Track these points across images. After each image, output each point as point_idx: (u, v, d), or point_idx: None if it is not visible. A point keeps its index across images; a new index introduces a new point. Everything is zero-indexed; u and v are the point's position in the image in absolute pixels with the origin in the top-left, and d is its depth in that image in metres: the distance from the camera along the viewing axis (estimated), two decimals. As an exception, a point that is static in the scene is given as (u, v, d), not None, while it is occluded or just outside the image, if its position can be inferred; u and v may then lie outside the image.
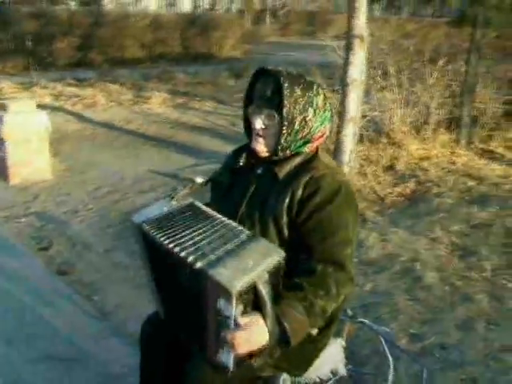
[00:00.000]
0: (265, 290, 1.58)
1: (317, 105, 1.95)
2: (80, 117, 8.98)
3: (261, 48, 21.32)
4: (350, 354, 2.30)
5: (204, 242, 1.68)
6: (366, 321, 2.70)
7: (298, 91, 1.91)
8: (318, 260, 1.80)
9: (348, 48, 5.44)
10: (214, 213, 1.85)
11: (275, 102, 1.90)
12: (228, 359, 1.67)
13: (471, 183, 5.83)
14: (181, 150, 7.34)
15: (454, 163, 6.55)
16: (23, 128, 5.56)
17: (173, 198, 1.99)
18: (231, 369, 1.69)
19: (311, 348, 2.04)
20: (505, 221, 4.74)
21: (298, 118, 1.91)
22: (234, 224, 1.78)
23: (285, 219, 1.88)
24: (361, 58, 5.43)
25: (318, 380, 2.23)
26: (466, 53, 7.24)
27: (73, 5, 22.02)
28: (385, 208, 5.21)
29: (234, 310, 1.55)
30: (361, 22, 5.33)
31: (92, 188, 5.68)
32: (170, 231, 1.77)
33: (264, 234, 1.88)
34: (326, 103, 1.99)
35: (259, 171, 2.02)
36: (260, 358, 1.74)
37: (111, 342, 3.10)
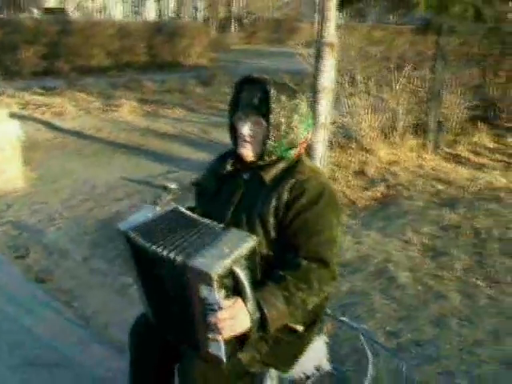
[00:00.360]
0: (242, 274, 1.69)
1: (301, 111, 2.03)
2: (49, 125, 8.92)
3: (228, 56, 21.42)
4: (331, 352, 2.35)
5: (184, 240, 1.78)
6: (345, 319, 2.79)
7: (284, 98, 1.99)
8: (303, 257, 1.89)
9: (318, 56, 5.55)
10: (196, 216, 1.95)
11: (262, 109, 1.98)
12: (219, 350, 1.75)
13: (440, 186, 5.99)
14: (152, 158, 7.35)
15: (422, 167, 6.72)
16: (-5, 137, 5.53)
17: (157, 204, 2.05)
18: (224, 360, 1.77)
19: (297, 344, 2.11)
20: (473, 222, 4.90)
21: (284, 124, 1.99)
22: (211, 222, 1.88)
23: (272, 221, 1.96)
24: (331, 66, 5.54)
25: (302, 375, 2.30)
26: (432, 60, 7.45)
27: (36, 13, 21.83)
28: (357, 211, 5.32)
29: (217, 293, 1.65)
30: (331, 30, 5.45)
31: (65, 197, 5.67)
32: (153, 236, 1.85)
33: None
34: (309, 110, 2.08)
35: (246, 177, 2.09)
36: (248, 350, 1.85)
37: (94, 347, 3.12)
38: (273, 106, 1.96)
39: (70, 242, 4.56)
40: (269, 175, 2.02)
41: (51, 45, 15.30)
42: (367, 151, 7.09)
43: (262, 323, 1.76)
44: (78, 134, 8.48)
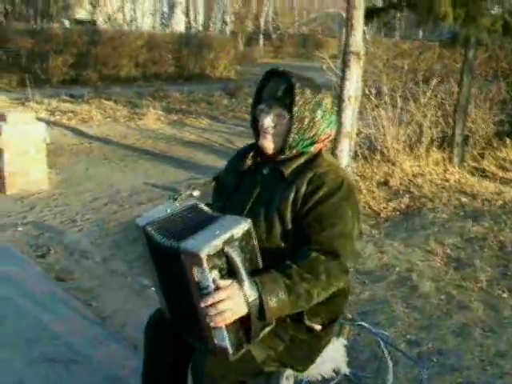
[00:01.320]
0: (234, 254, 1.69)
1: (325, 107, 2.01)
2: (76, 131, 9.01)
3: (254, 69, 21.45)
4: (350, 357, 2.31)
5: (191, 232, 1.77)
6: (365, 324, 2.74)
7: (309, 92, 1.97)
8: (313, 249, 1.85)
9: (344, 65, 5.53)
10: (213, 212, 1.94)
11: (286, 101, 1.96)
12: (224, 340, 1.73)
13: (464, 199, 5.90)
14: (176, 165, 7.38)
15: (447, 180, 6.62)
16: (21, 138, 5.59)
17: (175, 199, 2.04)
18: (230, 351, 1.74)
19: (315, 344, 2.07)
20: (498, 235, 4.80)
21: (308, 118, 1.97)
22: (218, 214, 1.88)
23: (289, 215, 1.93)
24: (357, 75, 5.52)
25: (319, 377, 2.26)
26: (459, 73, 7.38)
27: (67, 24, 22.15)
28: (380, 222, 5.26)
29: (208, 273, 1.65)
30: (358, 39, 5.43)
31: (89, 199, 5.70)
32: (167, 230, 1.86)
33: (269, 231, 1.94)
34: (333, 107, 2.06)
35: (265, 171, 2.07)
36: (256, 342, 1.81)
37: (111, 346, 3.10)
38: (297, 98, 1.94)
39: (91, 243, 4.57)
40: (288, 169, 2.00)
41: (80, 54, 15.50)
42: (392, 163, 7.02)
43: (260, 310, 1.72)
44: (104, 141, 8.56)
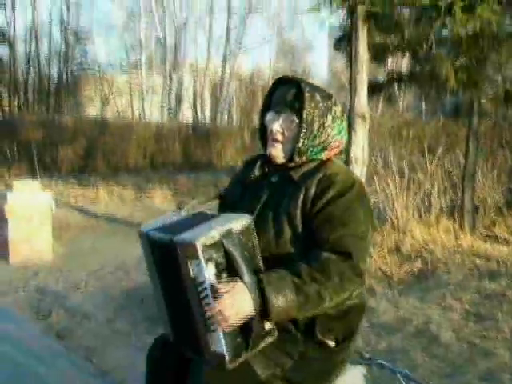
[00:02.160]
0: (233, 248, 1.59)
1: (335, 113, 1.95)
2: (82, 210, 9.02)
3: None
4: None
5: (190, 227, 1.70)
6: (383, 362, 2.56)
7: (318, 97, 1.92)
8: (324, 249, 1.73)
9: (350, 127, 5.57)
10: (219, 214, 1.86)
11: (295, 106, 1.90)
12: (220, 343, 1.60)
13: (479, 261, 5.72)
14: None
15: (459, 245, 6.48)
16: (26, 206, 5.56)
17: (181, 209, 1.97)
18: (227, 357, 1.61)
19: (328, 361, 1.89)
20: (518, 291, 4.61)
21: (317, 123, 1.90)
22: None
23: (299, 217, 1.82)
24: (363, 137, 5.55)
25: (338, 410, 2.06)
26: (464, 141, 7.41)
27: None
28: (393, 284, 5.08)
29: (204, 266, 1.55)
30: (362, 102, 5.50)
31: (94, 268, 5.58)
32: (169, 230, 1.77)
33: (279, 235, 1.82)
34: (343, 115, 2.00)
35: (274, 179, 1.98)
36: (255, 344, 1.65)
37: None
38: (306, 102, 1.88)
39: (95, 307, 4.41)
40: (297, 174, 1.91)
41: (89, 144, 15.83)
42: (402, 232, 6.90)
43: (263, 308, 1.59)
44: (111, 219, 8.52)
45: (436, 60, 5.93)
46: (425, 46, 6.84)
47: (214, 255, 1.57)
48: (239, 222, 1.64)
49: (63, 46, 24.30)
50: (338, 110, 1.96)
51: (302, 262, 1.69)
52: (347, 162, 5.51)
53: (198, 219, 1.78)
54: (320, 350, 1.85)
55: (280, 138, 1.93)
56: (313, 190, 1.84)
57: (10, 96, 22.29)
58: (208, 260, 1.55)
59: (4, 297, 4.56)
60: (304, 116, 1.88)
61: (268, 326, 1.67)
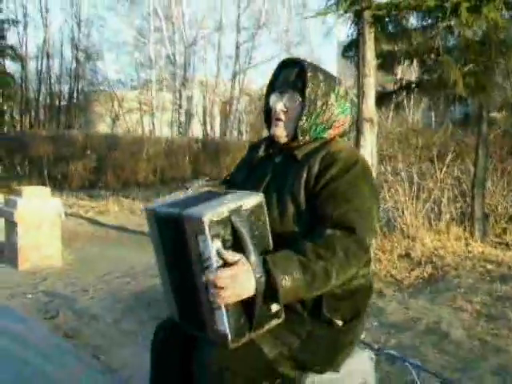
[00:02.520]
0: (241, 225, 1.56)
1: (338, 92, 1.96)
2: (92, 221, 9.04)
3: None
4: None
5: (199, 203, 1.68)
6: (394, 352, 2.53)
7: (321, 77, 1.93)
8: (328, 226, 1.71)
9: (358, 132, 5.56)
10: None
11: (298, 85, 1.91)
12: (223, 322, 1.58)
13: (490, 266, 5.67)
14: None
15: (470, 252, 6.42)
16: (36, 213, 5.57)
17: (188, 188, 1.97)
18: (229, 337, 1.59)
19: (335, 341, 1.87)
20: (530, 293, 4.55)
21: (320, 101, 1.91)
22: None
23: (302, 195, 1.81)
24: (371, 141, 5.53)
25: (345, 392, 2.03)
26: (473, 149, 7.38)
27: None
28: (403, 288, 5.04)
29: (210, 242, 1.52)
30: (370, 106, 5.50)
31: (102, 273, 5.57)
32: (176, 205, 1.77)
33: (282, 214, 1.81)
34: (347, 94, 2.00)
35: (277, 160, 1.98)
36: (259, 325, 1.63)
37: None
38: (309, 80, 1.89)
39: (102, 309, 4.39)
40: (301, 153, 1.91)
41: (99, 160, 15.91)
42: (411, 239, 6.85)
43: (271, 291, 1.56)
44: (120, 229, 8.53)
45: (444, 65, 5.92)
46: (432, 53, 6.87)
47: (222, 232, 1.55)
48: (250, 200, 1.62)
49: (74, 64, 24.58)
50: (341, 89, 1.97)
51: (306, 241, 1.67)
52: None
53: (208, 196, 1.76)
54: (327, 329, 1.83)
55: (283, 117, 1.93)
56: (316, 168, 1.83)
57: (21, 113, 22.53)
58: (214, 236, 1.53)
59: (12, 300, 4.55)
60: (307, 94, 1.88)
61: (275, 307, 1.65)
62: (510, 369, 3.00)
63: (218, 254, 1.53)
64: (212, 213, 1.53)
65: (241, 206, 1.59)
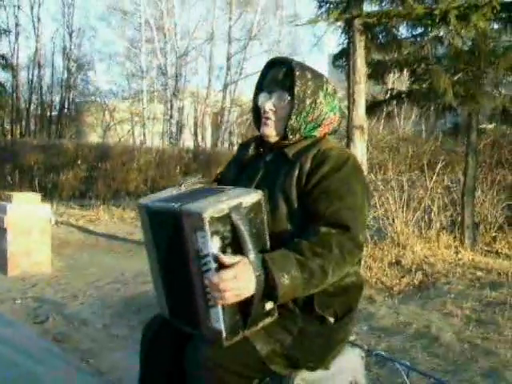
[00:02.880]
0: (241, 222, 1.55)
1: (327, 90, 1.97)
2: (82, 229, 8.99)
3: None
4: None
5: (193, 198, 1.68)
6: (382, 353, 2.54)
7: (309, 75, 1.94)
8: (322, 224, 1.71)
9: (349, 139, 5.59)
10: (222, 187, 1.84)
11: (286, 84, 1.93)
12: (218, 319, 1.58)
13: (480, 273, 5.70)
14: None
15: (460, 259, 6.44)
16: (26, 219, 5.55)
17: (181, 185, 1.97)
18: (224, 334, 1.59)
19: (327, 337, 1.87)
20: (519, 299, 4.56)
21: (309, 99, 1.92)
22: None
23: (294, 193, 1.82)
24: (361, 149, 5.56)
25: (335, 390, 2.03)
26: (463, 159, 7.43)
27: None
28: (393, 294, 5.04)
29: (209, 239, 1.51)
30: (360, 113, 5.54)
31: (92, 280, 5.54)
32: (169, 200, 1.77)
33: (274, 212, 1.82)
34: (335, 93, 2.02)
35: (268, 158, 1.99)
36: (253, 323, 1.63)
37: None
38: (297, 79, 1.90)
39: (92, 313, 4.37)
40: (292, 151, 1.91)
41: (90, 170, 15.86)
42: (402, 247, 6.87)
43: (269, 289, 1.57)
44: (110, 237, 8.49)
45: (433, 74, 5.98)
46: (422, 63, 6.94)
47: (221, 229, 1.54)
48: (249, 197, 1.61)
49: (65, 74, 24.56)
50: (329, 87, 1.98)
51: (301, 239, 1.68)
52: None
53: (204, 193, 1.75)
54: (319, 326, 1.84)
55: (272, 116, 1.94)
56: (307, 166, 1.84)
57: (12, 123, 22.45)
58: (214, 233, 1.52)
59: (0, 305, 4.51)
60: (295, 93, 1.89)
61: (269, 306, 1.65)
62: (501, 371, 3.01)
63: (216, 258, 1.52)
64: (213, 209, 1.52)
65: (241, 204, 1.58)
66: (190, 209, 1.57)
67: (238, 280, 1.52)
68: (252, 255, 1.55)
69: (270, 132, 1.96)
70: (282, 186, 1.84)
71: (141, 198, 2.07)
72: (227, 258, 1.53)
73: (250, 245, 1.56)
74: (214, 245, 1.53)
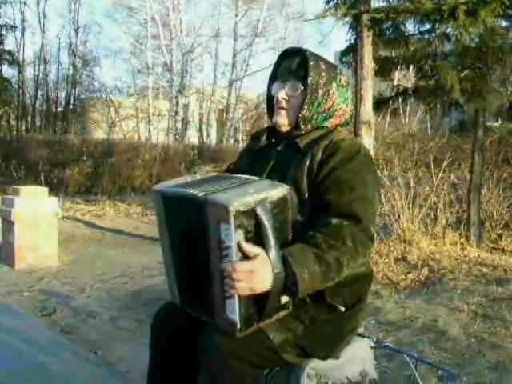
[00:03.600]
0: (266, 217, 1.54)
1: (340, 81, 1.97)
2: (88, 224, 9.02)
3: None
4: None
5: (216, 187, 1.67)
6: (391, 345, 2.53)
7: (323, 66, 1.95)
8: (333, 215, 1.72)
9: (356, 134, 5.58)
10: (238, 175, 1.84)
11: (300, 74, 1.93)
12: (234, 310, 1.58)
13: (486, 270, 5.68)
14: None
15: (466, 256, 6.44)
16: (33, 212, 5.56)
17: (195, 173, 1.98)
18: (238, 325, 1.59)
19: (338, 326, 1.88)
20: (526, 295, 4.56)
21: (322, 90, 1.92)
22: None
23: (305, 183, 1.83)
24: (368, 144, 5.55)
25: (345, 381, 2.03)
26: (469, 155, 7.42)
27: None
28: (400, 289, 5.04)
29: (234, 232, 1.50)
30: (367, 109, 5.53)
31: (99, 273, 5.57)
32: (186, 186, 1.76)
33: (286, 202, 1.82)
34: (348, 84, 2.02)
35: (280, 148, 1.99)
36: (267, 316, 1.64)
37: (116, 384, 2.87)
38: (311, 69, 1.91)
39: (99, 306, 4.39)
40: (303, 142, 1.92)
41: (95, 165, 15.89)
42: (408, 243, 6.87)
43: (290, 284, 1.57)
44: (117, 231, 8.51)
45: (440, 70, 5.96)
46: (429, 59, 6.92)
47: (245, 222, 1.53)
48: (276, 191, 1.60)
49: (71, 71, 24.59)
50: (343, 78, 1.99)
51: (315, 232, 1.68)
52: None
53: (227, 181, 1.73)
54: (330, 315, 1.84)
55: (285, 105, 1.95)
56: (319, 157, 1.84)
57: (17, 119, 22.50)
58: (238, 226, 1.51)
59: (8, 297, 4.54)
60: (308, 83, 1.90)
61: (284, 299, 1.65)
62: (507, 364, 3.01)
63: (239, 245, 1.52)
64: (238, 202, 1.51)
65: (266, 198, 1.56)
66: (215, 199, 1.56)
67: (254, 274, 1.52)
68: (273, 252, 1.55)
69: (283, 121, 1.96)
70: (293, 176, 1.84)
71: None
72: (249, 247, 1.53)
73: (272, 241, 1.55)
74: (237, 237, 1.52)
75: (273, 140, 2.05)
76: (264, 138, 2.06)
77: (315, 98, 1.92)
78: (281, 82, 1.97)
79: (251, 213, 1.53)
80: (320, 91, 1.92)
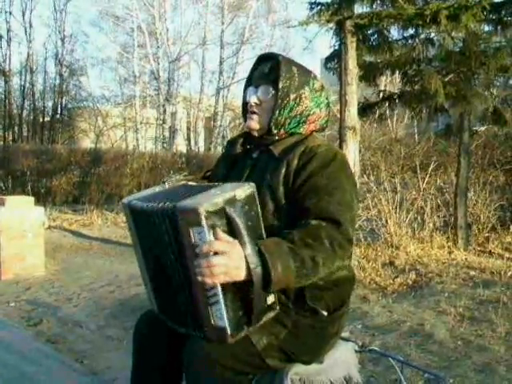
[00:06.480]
0: (236, 215, 1.55)
1: (313, 85, 1.97)
2: (76, 233, 8.96)
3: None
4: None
5: (182, 194, 1.67)
6: (377, 348, 2.54)
7: (295, 70, 1.95)
8: (313, 218, 1.71)
9: (341, 140, 5.61)
10: (206, 184, 1.86)
11: (272, 78, 1.93)
12: (221, 316, 1.56)
13: (473, 273, 5.72)
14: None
15: (453, 259, 6.47)
16: (19, 222, 5.53)
17: (165, 182, 1.98)
18: (229, 331, 1.57)
19: (320, 330, 1.88)
20: (512, 297, 4.59)
21: (293, 94, 1.92)
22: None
23: (281, 190, 1.82)
24: (354, 150, 5.57)
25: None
26: (455, 159, 7.47)
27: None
28: (387, 294, 5.05)
29: (207, 233, 1.50)
30: (352, 114, 5.55)
31: (86, 282, 5.53)
32: (153, 199, 1.76)
33: (262, 208, 1.81)
34: (322, 89, 2.02)
35: (255, 155, 2.00)
36: (256, 318, 1.63)
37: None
38: (283, 73, 1.91)
39: (86, 316, 4.36)
40: (278, 149, 1.92)
41: (83, 174, 15.83)
42: (395, 248, 6.89)
43: (265, 274, 1.55)
44: (104, 241, 8.47)
45: (425, 75, 6.01)
46: (414, 64, 6.97)
47: (218, 222, 1.52)
48: (243, 190, 1.60)
49: (58, 80, 24.53)
50: (316, 83, 1.99)
51: (294, 231, 1.67)
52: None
53: (192, 189, 1.74)
54: (312, 319, 1.84)
55: (257, 109, 1.95)
56: (295, 164, 1.84)
57: (4, 129, 22.40)
58: (211, 227, 1.51)
59: (-6, 307, 4.51)
60: (280, 86, 1.90)
61: (270, 299, 1.64)
62: (494, 366, 3.02)
63: (214, 233, 1.51)
64: (207, 203, 1.51)
65: (234, 196, 1.57)
66: (184, 205, 1.56)
67: (227, 256, 1.50)
68: (248, 248, 1.54)
69: (254, 125, 1.96)
70: (268, 183, 1.84)
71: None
72: (222, 233, 1.52)
73: (245, 237, 1.55)
74: (211, 239, 1.51)
75: (248, 146, 2.05)
76: (239, 143, 2.07)
77: (287, 102, 1.92)
78: (254, 87, 1.97)
79: (222, 213, 1.53)
80: (292, 95, 1.92)
